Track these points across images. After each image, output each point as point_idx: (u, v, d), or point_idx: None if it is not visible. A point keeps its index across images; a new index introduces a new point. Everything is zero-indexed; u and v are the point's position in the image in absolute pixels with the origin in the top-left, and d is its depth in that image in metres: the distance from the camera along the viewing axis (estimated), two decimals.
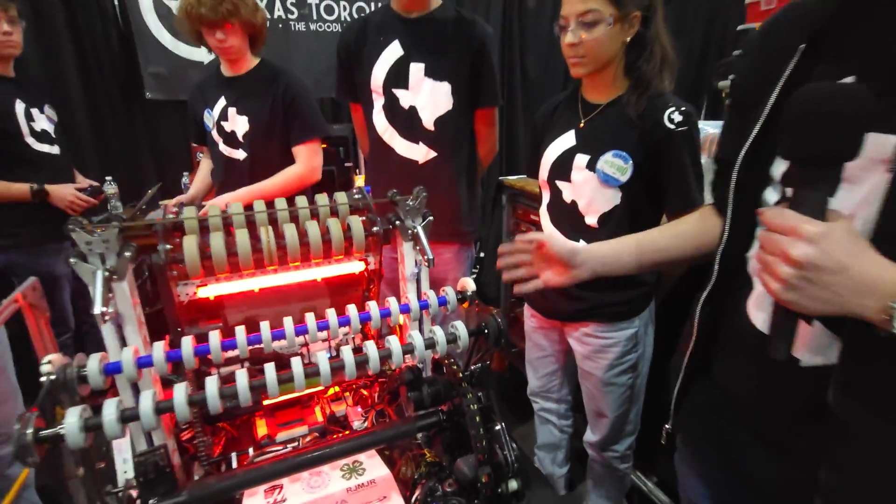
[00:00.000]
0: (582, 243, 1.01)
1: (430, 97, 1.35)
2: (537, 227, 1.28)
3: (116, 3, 2.49)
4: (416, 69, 1.33)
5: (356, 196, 0.98)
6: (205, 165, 1.82)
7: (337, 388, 1.13)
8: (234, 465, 0.91)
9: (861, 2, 0.53)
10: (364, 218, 0.93)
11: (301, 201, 0.92)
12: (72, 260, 0.73)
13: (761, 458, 0.62)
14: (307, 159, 1.57)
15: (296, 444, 0.97)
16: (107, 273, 0.73)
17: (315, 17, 2.79)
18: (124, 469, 0.84)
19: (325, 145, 1.73)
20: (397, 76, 1.35)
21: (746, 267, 0.64)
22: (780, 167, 0.58)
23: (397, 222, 0.94)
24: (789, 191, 0.51)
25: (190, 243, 0.79)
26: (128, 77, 2.59)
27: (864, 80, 0.50)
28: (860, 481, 0.51)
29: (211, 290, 0.86)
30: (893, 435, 0.48)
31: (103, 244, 0.74)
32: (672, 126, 0.97)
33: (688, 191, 0.98)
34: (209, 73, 1.69)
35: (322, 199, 0.94)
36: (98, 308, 0.70)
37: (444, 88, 1.35)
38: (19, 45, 1.71)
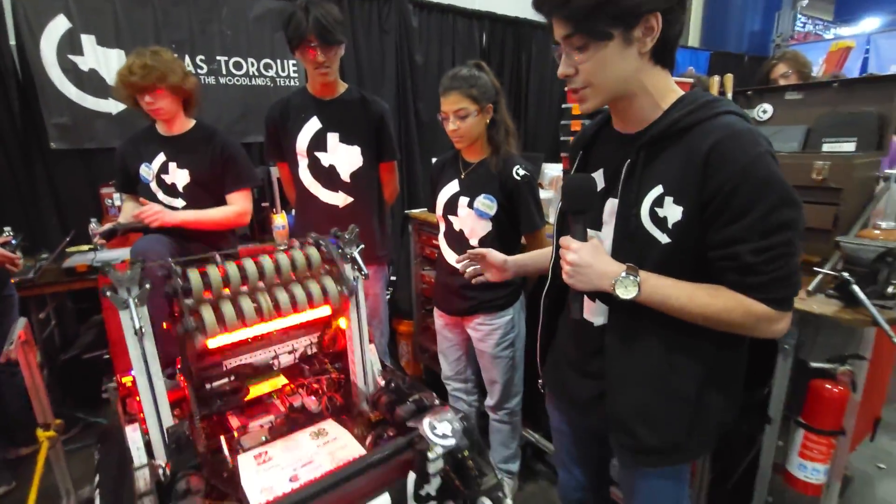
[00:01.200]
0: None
1: (345, 157, 1.74)
2: (437, 249, 1.72)
3: (16, 58, 2.53)
4: (333, 137, 1.72)
5: (322, 245, 1.32)
6: (129, 205, 1.95)
7: (292, 386, 1.44)
8: (224, 446, 1.18)
9: (598, 135, 0.98)
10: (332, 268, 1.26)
11: (283, 259, 1.23)
12: (108, 293, 1.00)
13: (576, 381, 1.03)
14: (240, 204, 1.85)
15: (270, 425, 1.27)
16: (136, 301, 1.01)
17: (224, 72, 3.03)
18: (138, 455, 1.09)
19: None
20: (318, 143, 1.72)
21: None
22: None
23: (338, 250, 1.32)
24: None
25: (209, 315, 1.07)
26: (27, 128, 2.61)
27: (605, 172, 0.92)
28: (620, 379, 0.92)
29: (218, 341, 1.15)
30: (631, 351, 0.90)
31: (130, 280, 1.02)
32: (518, 178, 1.47)
33: (532, 218, 1.49)
34: (141, 130, 1.87)
35: (298, 256, 1.25)
36: (137, 324, 0.99)
37: (356, 150, 1.75)
38: None
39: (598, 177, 0.94)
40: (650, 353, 0.89)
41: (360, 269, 1.31)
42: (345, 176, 1.76)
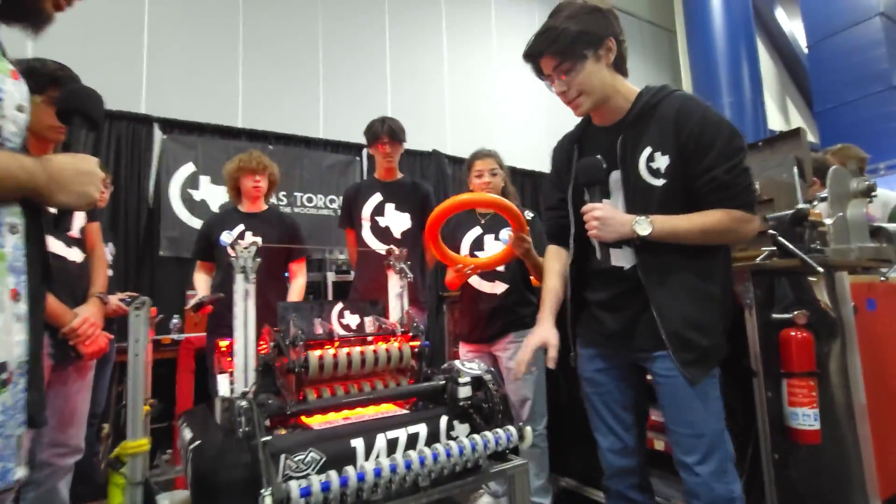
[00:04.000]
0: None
1: (397, 220, 2.28)
2: (461, 289, 2.06)
3: (151, 189, 3.38)
4: (390, 207, 2.28)
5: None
6: (200, 277, 2.43)
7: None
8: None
9: (585, 133, 1.30)
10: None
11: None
12: (231, 259, 1.42)
13: (612, 318, 1.23)
14: (303, 273, 2.36)
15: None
16: (250, 270, 1.42)
17: (299, 204, 3.83)
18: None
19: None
20: (378, 210, 2.28)
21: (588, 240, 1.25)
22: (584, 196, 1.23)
23: (391, 264, 1.72)
24: (587, 196, 1.19)
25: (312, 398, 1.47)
26: (145, 241, 3.33)
27: (603, 155, 1.20)
28: (664, 300, 1.12)
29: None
30: (665, 276, 1.13)
31: (248, 252, 1.44)
32: (528, 218, 1.92)
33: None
34: (224, 210, 2.49)
35: (392, 349, 1.62)
36: (251, 279, 1.38)
37: (406, 216, 2.30)
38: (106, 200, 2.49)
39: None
40: (679, 271, 1.13)
41: (405, 275, 1.69)
42: (396, 234, 2.28)
